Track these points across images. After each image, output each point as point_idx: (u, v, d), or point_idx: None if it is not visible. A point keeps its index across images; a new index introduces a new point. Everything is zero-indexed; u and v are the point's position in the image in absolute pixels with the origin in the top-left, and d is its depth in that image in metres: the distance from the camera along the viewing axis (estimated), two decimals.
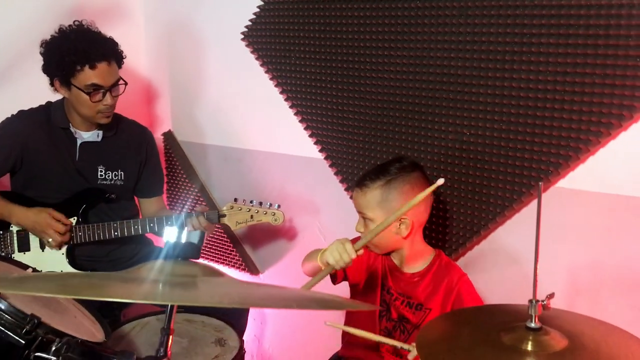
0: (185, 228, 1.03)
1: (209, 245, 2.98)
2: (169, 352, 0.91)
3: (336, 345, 2.06)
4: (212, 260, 2.97)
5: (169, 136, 3.05)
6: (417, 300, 1.81)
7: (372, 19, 2.15)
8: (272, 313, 2.84)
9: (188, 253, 0.97)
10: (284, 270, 2.75)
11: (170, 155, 3.05)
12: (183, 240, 0.96)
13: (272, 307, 1.11)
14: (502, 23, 1.84)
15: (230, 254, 2.88)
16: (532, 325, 1.18)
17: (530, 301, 1.18)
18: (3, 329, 1.28)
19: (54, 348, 1.13)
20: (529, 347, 1.15)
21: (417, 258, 1.84)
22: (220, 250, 2.92)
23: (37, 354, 1.12)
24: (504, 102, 1.87)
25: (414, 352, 1.61)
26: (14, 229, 2.29)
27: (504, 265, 1.98)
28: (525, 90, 1.82)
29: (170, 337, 0.91)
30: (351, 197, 2.14)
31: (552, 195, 1.85)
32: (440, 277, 1.80)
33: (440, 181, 1.44)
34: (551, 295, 1.20)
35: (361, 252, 1.62)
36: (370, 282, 1.87)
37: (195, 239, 0.97)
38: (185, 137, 3.02)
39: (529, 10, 1.78)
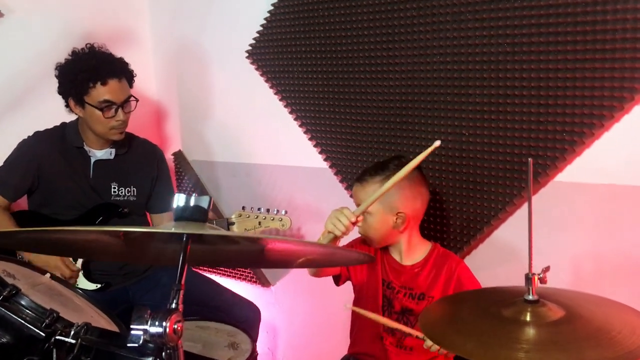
0: (194, 193, 1.09)
1: None
2: (180, 307, 0.96)
3: (346, 350, 2.09)
4: (223, 274, 3.02)
5: (179, 156, 3.14)
6: (419, 290, 1.86)
7: (369, 30, 2.23)
8: (284, 325, 2.88)
9: (196, 215, 1.03)
10: (295, 282, 2.79)
11: (180, 174, 3.13)
12: (192, 203, 1.03)
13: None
14: (494, 25, 1.92)
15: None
16: (530, 297, 1.22)
17: (527, 275, 1.23)
18: (24, 322, 1.34)
19: (73, 331, 1.19)
20: (528, 318, 1.19)
21: (415, 250, 1.90)
22: None
23: (57, 337, 1.18)
24: (499, 102, 1.94)
25: (429, 341, 1.64)
26: None
27: (507, 261, 2.02)
28: (519, 89, 1.89)
29: (181, 292, 0.97)
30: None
31: (551, 188, 1.90)
32: (439, 265, 1.86)
33: (437, 143, 1.48)
34: (546, 269, 1.24)
35: (361, 218, 1.66)
36: (371, 279, 1.93)
37: (204, 203, 1.04)
38: (194, 156, 3.11)
39: (518, 11, 1.86)
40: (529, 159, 1.24)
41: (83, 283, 2.36)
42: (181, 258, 0.97)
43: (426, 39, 2.09)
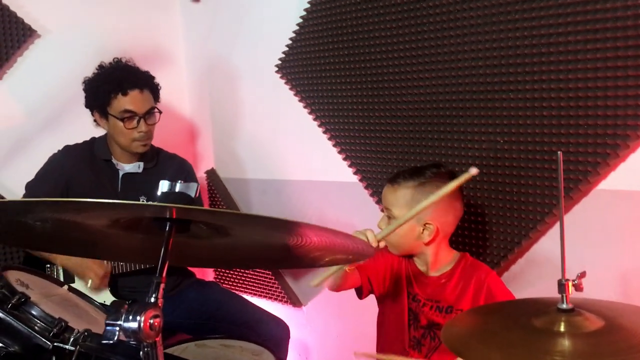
0: (179, 181, 1.03)
1: (251, 279, 2.97)
2: (160, 301, 0.89)
3: None
4: (254, 294, 2.95)
5: (211, 174, 3.11)
6: (446, 303, 1.73)
7: (398, 38, 2.16)
8: (317, 347, 2.78)
9: (181, 203, 0.97)
10: (327, 302, 2.70)
11: (213, 192, 3.10)
12: (177, 190, 0.97)
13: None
14: (527, 26, 1.82)
15: (272, 286, 2.86)
16: (564, 306, 1.10)
17: (560, 281, 1.11)
18: (32, 331, 1.30)
19: (72, 338, 1.13)
20: (562, 328, 1.07)
21: (442, 262, 1.79)
22: (262, 283, 2.91)
23: (56, 343, 1.12)
24: (535, 106, 1.83)
25: None
26: None
27: (548, 277, 1.86)
28: (556, 91, 1.78)
29: (161, 285, 0.90)
30: None
31: (594, 197, 1.77)
32: (468, 275, 1.73)
33: (473, 170, 1.39)
34: (582, 274, 1.12)
35: (383, 243, 1.56)
36: (395, 291, 1.82)
37: (192, 191, 0.98)
38: (226, 173, 3.08)
39: (553, 10, 1.76)
40: (559, 152, 1.13)
41: (110, 300, 2.33)
42: (164, 244, 0.90)
43: (457, 43, 2.00)
